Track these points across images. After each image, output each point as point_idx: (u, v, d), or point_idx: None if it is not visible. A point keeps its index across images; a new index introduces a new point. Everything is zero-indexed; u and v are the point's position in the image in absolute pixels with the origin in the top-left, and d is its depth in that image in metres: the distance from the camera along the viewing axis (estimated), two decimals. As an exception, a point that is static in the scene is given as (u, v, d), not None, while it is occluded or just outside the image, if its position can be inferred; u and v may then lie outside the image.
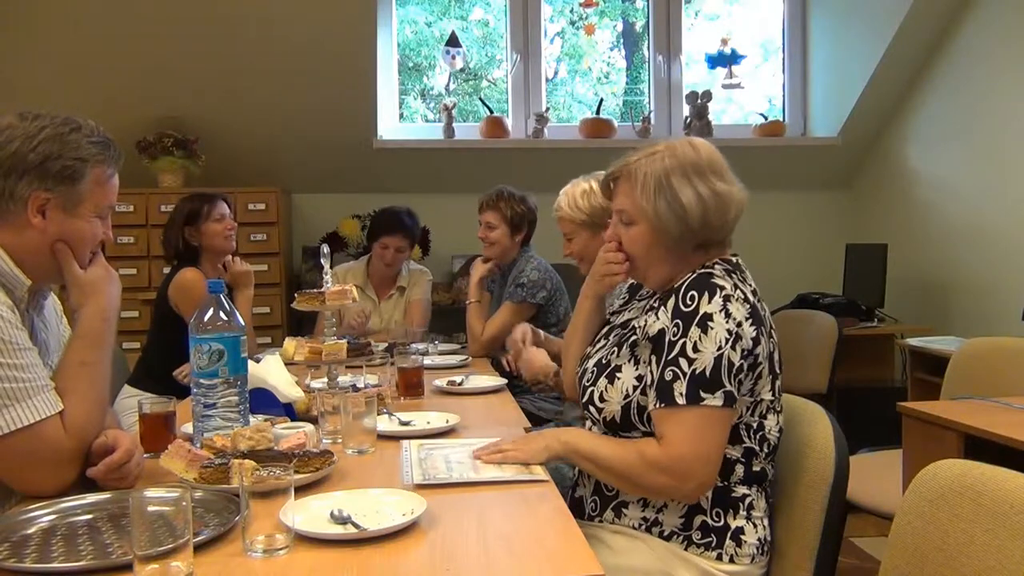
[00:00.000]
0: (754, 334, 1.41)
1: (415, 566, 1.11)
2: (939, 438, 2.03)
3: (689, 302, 1.42)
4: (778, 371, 1.49)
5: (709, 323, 1.39)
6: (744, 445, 1.47)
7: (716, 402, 1.37)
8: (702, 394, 1.37)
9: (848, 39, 4.42)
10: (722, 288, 1.43)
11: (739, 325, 1.40)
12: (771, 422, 1.49)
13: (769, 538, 1.50)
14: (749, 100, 4.89)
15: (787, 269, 4.70)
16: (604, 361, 1.57)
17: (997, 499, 1.05)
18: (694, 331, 1.39)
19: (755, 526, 1.47)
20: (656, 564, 1.44)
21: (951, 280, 4.07)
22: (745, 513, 1.46)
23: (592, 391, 1.55)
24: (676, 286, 1.48)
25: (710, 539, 1.44)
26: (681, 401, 1.38)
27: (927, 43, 4.11)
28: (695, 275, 1.47)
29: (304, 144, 4.26)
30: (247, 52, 3.90)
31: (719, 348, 1.38)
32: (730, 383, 1.38)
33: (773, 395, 1.48)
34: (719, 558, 1.44)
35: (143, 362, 3.03)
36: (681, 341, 1.40)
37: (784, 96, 4.81)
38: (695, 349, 1.39)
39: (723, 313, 1.40)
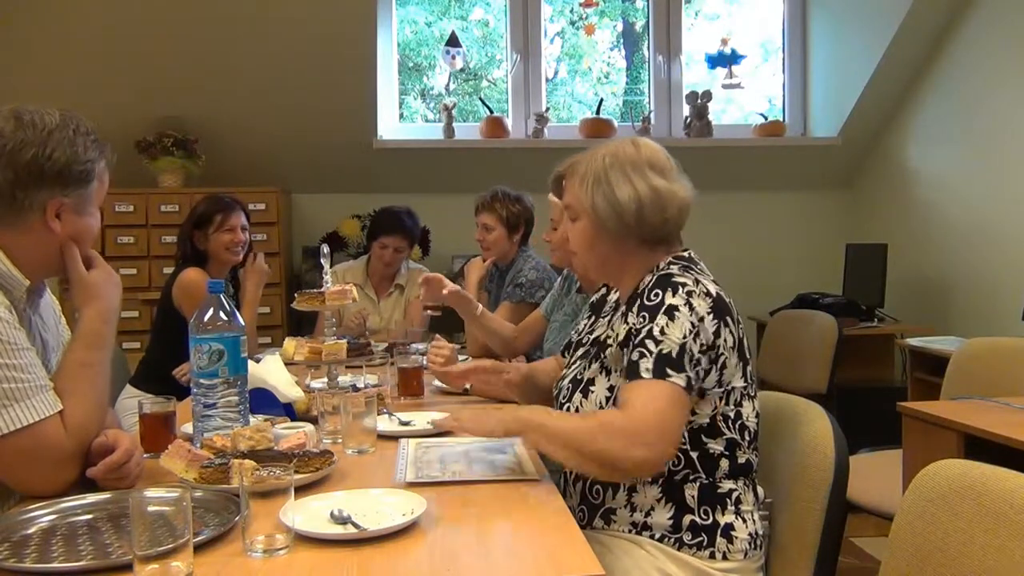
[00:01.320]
0: (715, 328, 1.43)
1: (415, 566, 1.11)
2: (939, 438, 2.03)
3: (653, 298, 1.45)
4: (748, 356, 1.50)
5: (676, 312, 1.41)
6: (726, 437, 1.47)
7: (679, 381, 1.37)
8: (668, 371, 1.37)
9: (848, 39, 4.42)
10: (684, 285, 1.45)
11: (700, 320, 1.42)
12: (747, 409, 1.50)
13: (761, 532, 1.50)
14: (749, 100, 4.89)
15: (787, 269, 4.71)
16: (578, 377, 1.60)
17: (997, 499, 1.05)
18: (661, 318, 1.42)
19: (745, 521, 1.47)
20: (653, 564, 1.43)
21: (951, 280, 4.07)
22: (733, 508, 1.46)
23: (568, 407, 1.58)
24: (640, 291, 1.51)
25: (701, 538, 1.44)
26: (647, 376, 1.38)
27: (927, 43, 4.11)
28: (655, 277, 1.49)
29: (304, 144, 4.26)
30: (247, 52, 3.91)
31: (684, 336, 1.40)
32: (691, 370, 1.39)
33: (745, 381, 1.49)
34: (712, 556, 1.44)
35: (145, 362, 3.03)
36: (648, 327, 1.42)
37: (784, 96, 4.81)
38: (662, 333, 1.41)
39: (687, 307, 1.42)
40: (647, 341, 1.40)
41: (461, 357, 3.03)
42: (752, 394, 1.51)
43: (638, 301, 1.48)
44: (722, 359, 1.44)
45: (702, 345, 1.41)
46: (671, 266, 1.53)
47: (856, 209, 4.83)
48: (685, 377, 1.38)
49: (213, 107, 4.09)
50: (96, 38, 3.80)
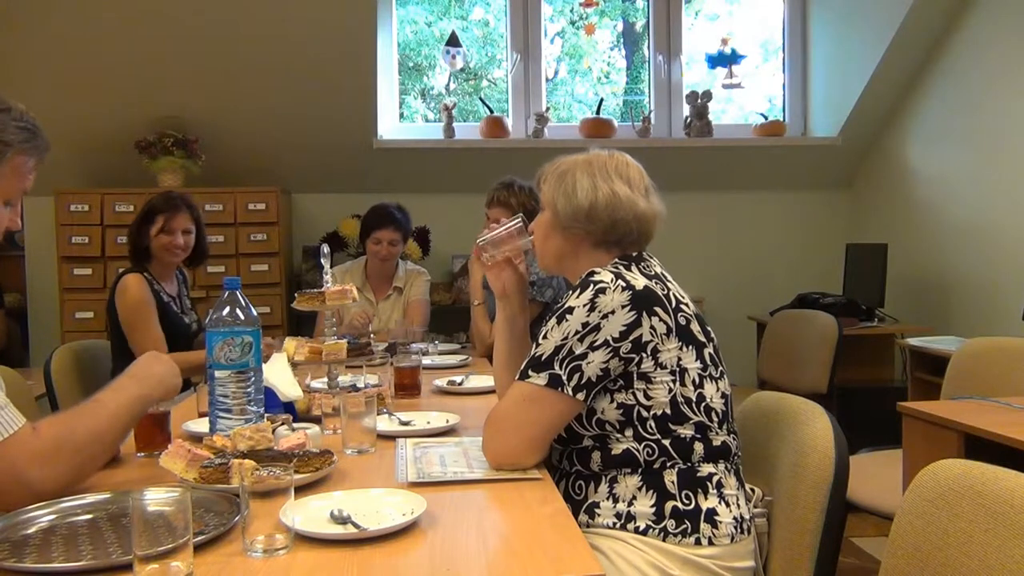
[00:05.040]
0: (631, 319, 1.45)
1: (415, 566, 1.11)
2: (939, 438, 2.03)
3: (564, 299, 1.52)
4: (702, 340, 1.53)
5: (567, 316, 1.48)
6: (693, 421, 1.49)
7: (539, 381, 1.46)
8: (530, 372, 1.48)
9: (848, 39, 4.42)
10: (599, 282, 1.48)
11: (605, 316, 1.45)
12: (710, 390, 1.52)
13: (748, 516, 1.51)
14: (749, 100, 4.89)
15: (787, 269, 4.71)
16: None
17: (997, 499, 1.05)
18: (551, 322, 1.50)
19: (728, 505, 1.48)
20: (642, 558, 1.43)
21: (951, 280, 4.07)
22: (716, 492, 1.48)
23: None
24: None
25: (685, 525, 1.44)
26: (517, 378, 1.51)
27: (927, 43, 4.11)
28: (583, 277, 1.53)
29: (304, 144, 4.27)
30: (247, 52, 3.91)
31: (564, 339, 1.47)
32: (560, 368, 1.46)
33: (703, 363, 1.52)
34: (697, 543, 1.44)
35: (114, 371, 2.99)
36: (543, 331, 1.51)
37: (784, 96, 4.81)
38: (544, 337, 1.49)
39: (587, 307, 1.46)
40: (534, 345, 1.51)
41: (462, 357, 3.05)
42: (716, 375, 1.54)
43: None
44: (650, 345, 1.46)
45: (606, 339, 1.45)
46: (608, 266, 1.57)
47: (856, 209, 4.83)
48: (547, 375, 1.46)
49: (213, 107, 4.09)
50: (96, 38, 3.80)
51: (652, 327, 1.47)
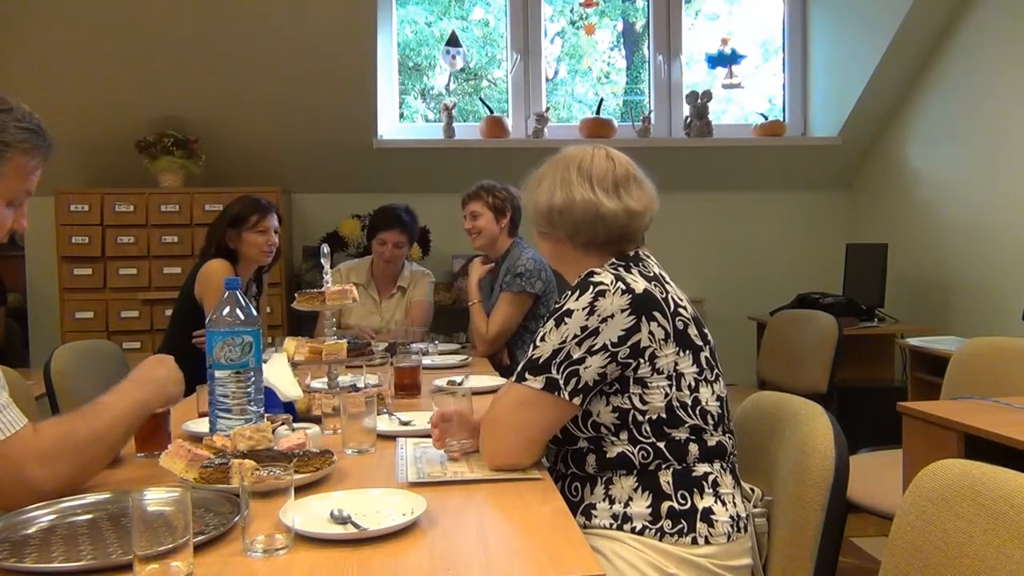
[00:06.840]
0: (630, 323, 1.45)
1: (415, 566, 1.11)
2: (939, 438, 2.03)
3: (562, 300, 1.51)
4: (699, 344, 1.53)
5: (566, 319, 1.47)
6: (688, 424, 1.49)
7: (535, 384, 1.46)
8: (527, 375, 1.47)
9: (848, 39, 4.42)
10: (598, 284, 1.47)
11: (604, 320, 1.44)
12: (706, 394, 1.52)
13: (745, 514, 1.51)
14: (749, 100, 4.89)
15: (787, 269, 4.71)
16: None
17: (997, 499, 1.05)
18: (549, 324, 1.49)
19: (724, 504, 1.48)
20: (639, 556, 1.44)
21: (951, 280, 4.07)
22: (711, 491, 1.48)
23: None
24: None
25: (681, 525, 1.45)
26: (514, 380, 1.51)
27: (927, 43, 4.11)
28: (580, 278, 1.52)
29: (304, 144, 4.27)
30: (247, 52, 3.91)
31: (562, 342, 1.46)
32: (557, 372, 1.45)
33: (699, 367, 1.51)
34: (694, 542, 1.44)
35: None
36: (540, 333, 1.50)
37: (784, 96, 4.81)
38: (542, 339, 1.48)
39: (586, 310, 1.45)
40: (530, 347, 1.51)
41: (462, 357, 3.05)
42: (711, 379, 1.54)
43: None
44: (648, 351, 1.46)
45: (604, 344, 1.44)
46: (605, 265, 1.57)
47: (856, 209, 4.83)
48: (544, 379, 1.46)
49: (213, 107, 4.09)
50: (96, 38, 3.80)
51: (651, 332, 1.46)
